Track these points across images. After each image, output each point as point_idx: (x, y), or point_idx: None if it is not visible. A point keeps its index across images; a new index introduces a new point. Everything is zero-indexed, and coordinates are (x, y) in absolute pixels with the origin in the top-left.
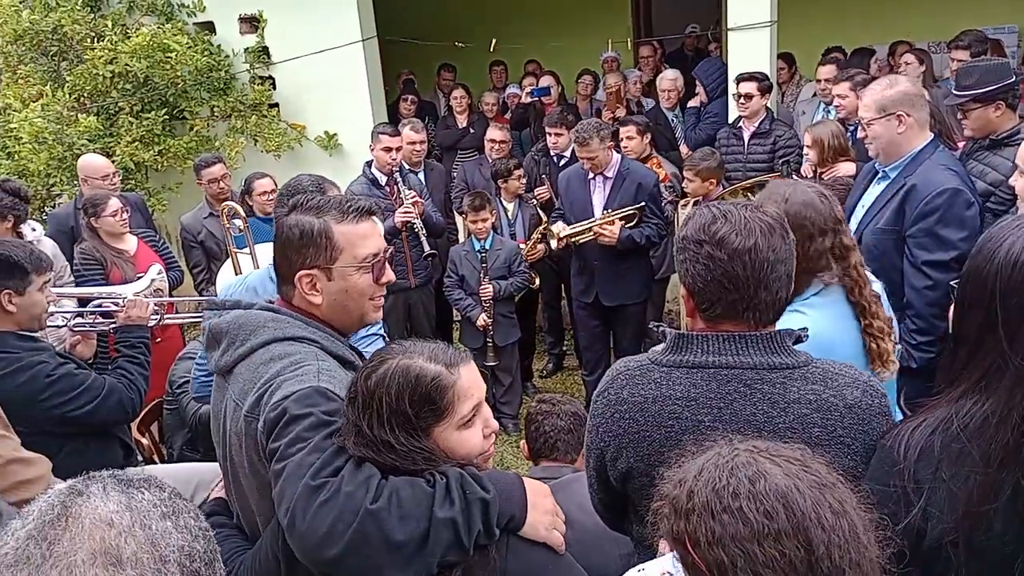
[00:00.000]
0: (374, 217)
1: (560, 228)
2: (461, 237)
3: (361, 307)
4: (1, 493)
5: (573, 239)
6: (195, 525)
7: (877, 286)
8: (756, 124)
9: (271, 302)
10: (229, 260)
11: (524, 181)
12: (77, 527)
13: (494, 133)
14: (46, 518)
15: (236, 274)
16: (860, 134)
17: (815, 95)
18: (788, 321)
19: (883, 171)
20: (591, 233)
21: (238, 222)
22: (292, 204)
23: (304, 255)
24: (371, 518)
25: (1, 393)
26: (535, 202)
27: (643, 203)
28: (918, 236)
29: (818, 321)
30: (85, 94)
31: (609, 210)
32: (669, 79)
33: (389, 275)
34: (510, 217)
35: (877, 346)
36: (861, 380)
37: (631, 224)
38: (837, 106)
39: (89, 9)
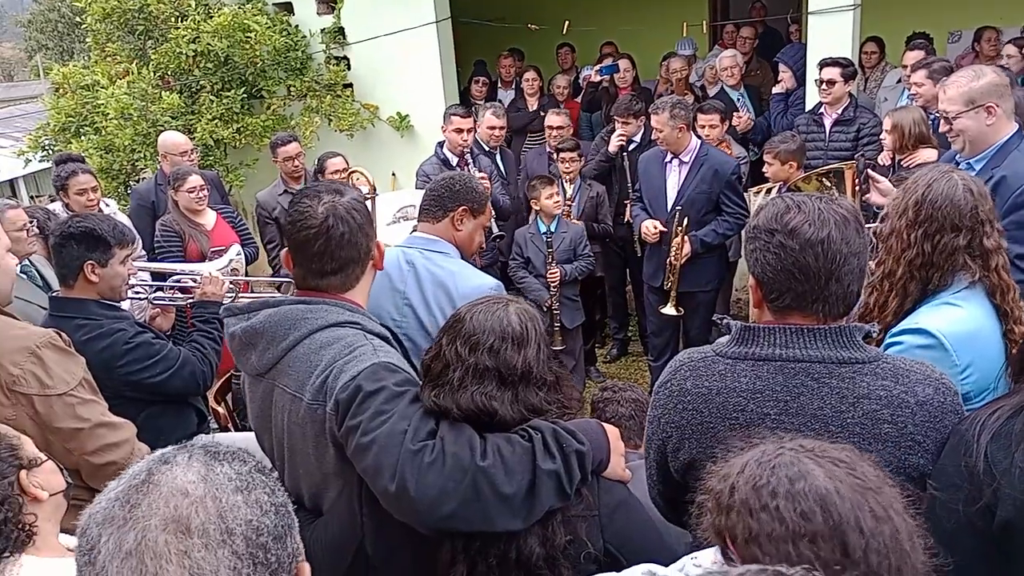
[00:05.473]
0: None
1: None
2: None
3: None
4: (88, 455)
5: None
6: (267, 500)
7: None
8: (839, 111)
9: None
10: None
11: (576, 164)
12: (156, 494)
13: (552, 119)
14: (134, 482)
15: None
16: (943, 128)
17: (899, 81)
18: (941, 313)
19: (967, 163)
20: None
21: None
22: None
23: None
24: (482, 474)
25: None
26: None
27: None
28: (1010, 229)
29: (973, 313)
30: (168, 72)
31: (681, 203)
32: (728, 57)
33: None
34: (569, 197)
35: (1020, 353)
36: (933, 377)
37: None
38: (914, 94)
39: None
